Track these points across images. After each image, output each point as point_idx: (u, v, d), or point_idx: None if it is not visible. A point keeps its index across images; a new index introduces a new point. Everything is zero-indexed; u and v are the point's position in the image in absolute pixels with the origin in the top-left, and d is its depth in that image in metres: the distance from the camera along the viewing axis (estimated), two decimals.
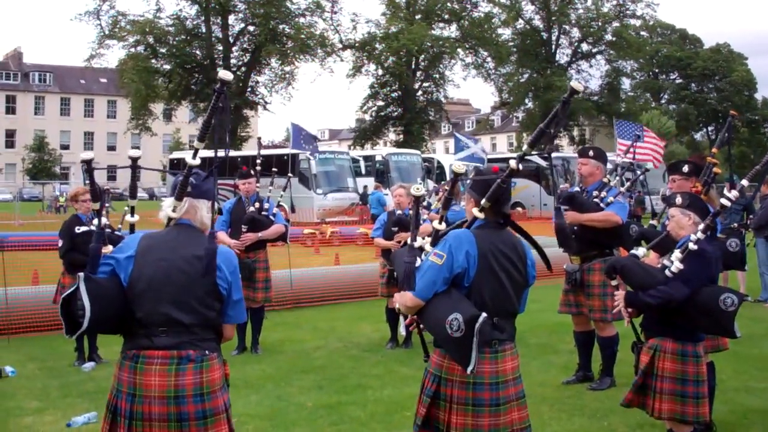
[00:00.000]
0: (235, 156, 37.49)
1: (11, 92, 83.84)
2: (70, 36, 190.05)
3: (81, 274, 3.66)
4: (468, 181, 4.21)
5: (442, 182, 30.85)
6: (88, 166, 4.26)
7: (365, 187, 31.73)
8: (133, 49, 49.49)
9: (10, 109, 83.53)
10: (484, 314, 3.78)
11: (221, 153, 3.98)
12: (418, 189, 4.10)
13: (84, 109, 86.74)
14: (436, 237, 4.18)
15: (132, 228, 4.34)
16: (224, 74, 3.79)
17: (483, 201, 4.08)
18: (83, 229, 8.37)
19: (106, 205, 4.44)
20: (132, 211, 4.40)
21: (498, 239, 4.10)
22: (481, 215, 4.10)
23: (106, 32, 49.72)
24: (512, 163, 4.01)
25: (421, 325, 4.29)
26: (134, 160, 4.25)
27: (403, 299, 4.06)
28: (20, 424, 6.71)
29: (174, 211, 3.96)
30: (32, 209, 48.01)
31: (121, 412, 3.69)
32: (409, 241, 4.08)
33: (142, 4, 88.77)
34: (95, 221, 4.51)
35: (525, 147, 4.15)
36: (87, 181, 9.30)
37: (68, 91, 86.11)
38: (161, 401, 3.64)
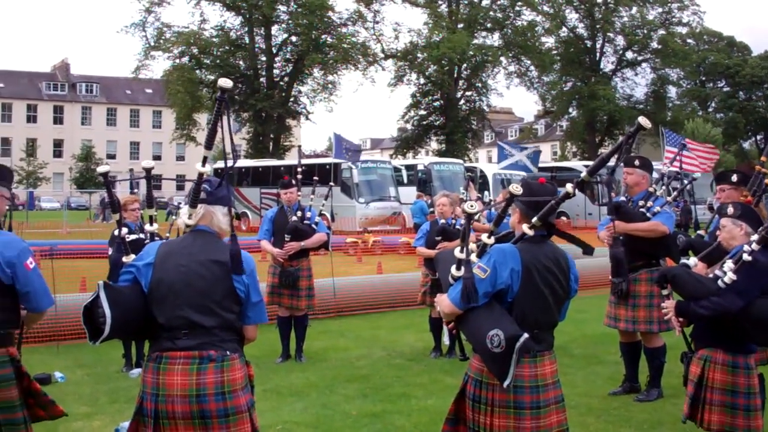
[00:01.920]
0: (278, 165, 37.73)
1: (59, 103, 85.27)
2: (116, 48, 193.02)
3: (100, 282, 3.77)
4: (517, 188, 4.18)
5: (477, 194, 30.75)
6: (106, 178, 4.36)
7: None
8: (177, 60, 50.16)
9: (58, 120, 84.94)
10: (525, 335, 3.84)
11: (219, 160, 4.00)
12: (471, 206, 4.10)
13: (130, 120, 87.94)
14: (483, 250, 4.18)
15: (152, 236, 4.40)
16: (224, 82, 3.84)
17: (534, 220, 4.11)
18: (132, 237, 8.46)
19: (154, 213, 4.50)
20: (151, 220, 4.46)
21: (541, 253, 4.14)
22: (531, 233, 4.13)
23: (152, 44, 50.42)
24: (568, 188, 4.01)
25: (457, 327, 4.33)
26: (148, 170, 4.31)
27: (442, 304, 4.13)
28: (69, 428, 6.79)
29: (190, 218, 4.02)
30: (79, 218, 48.79)
31: (147, 412, 3.80)
32: (456, 253, 4.07)
33: (187, 15, 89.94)
34: (147, 227, 4.57)
35: (583, 174, 4.13)
36: (135, 190, 9.46)
37: (114, 102, 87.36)
38: (183, 400, 3.73)
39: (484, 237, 4.21)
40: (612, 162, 4.11)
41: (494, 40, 56.99)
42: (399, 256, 21.94)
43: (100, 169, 4.35)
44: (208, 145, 3.95)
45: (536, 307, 4.05)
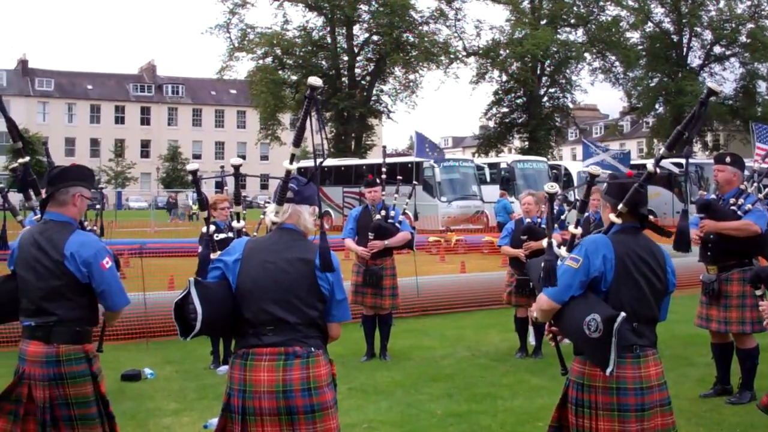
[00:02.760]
0: (360, 164, 37.87)
1: (146, 104, 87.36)
2: (201, 49, 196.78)
3: (191, 279, 3.82)
4: (604, 186, 4.13)
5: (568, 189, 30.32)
6: (194, 177, 4.39)
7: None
8: (261, 61, 50.81)
9: (145, 120, 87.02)
10: (622, 314, 3.77)
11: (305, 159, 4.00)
12: (552, 186, 4.04)
13: (215, 120, 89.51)
14: (572, 242, 4.12)
15: (239, 233, 4.44)
16: (313, 80, 3.84)
17: (620, 206, 4.03)
18: (221, 236, 8.58)
19: (243, 212, 4.54)
20: (238, 217, 4.50)
21: (635, 244, 4.08)
22: (618, 221, 4.06)
23: (236, 45, 51.16)
24: (649, 167, 3.97)
25: (558, 337, 4.27)
26: (237, 168, 4.34)
27: (539, 303, 4.09)
28: (159, 424, 6.92)
29: (276, 215, 4.04)
30: (166, 217, 49.89)
31: (234, 408, 3.84)
32: (545, 243, 4.02)
33: (270, 16, 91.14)
34: (234, 224, 4.61)
35: (662, 150, 4.06)
36: (225, 188, 9.58)
37: (200, 103, 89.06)
38: (270, 396, 3.76)
39: (571, 228, 4.16)
40: (689, 134, 3.98)
41: (578, 35, 56.16)
42: (482, 255, 21.83)
43: (190, 167, 4.40)
44: (297, 142, 3.97)
45: (633, 297, 3.98)
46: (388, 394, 7.80)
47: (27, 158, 5.01)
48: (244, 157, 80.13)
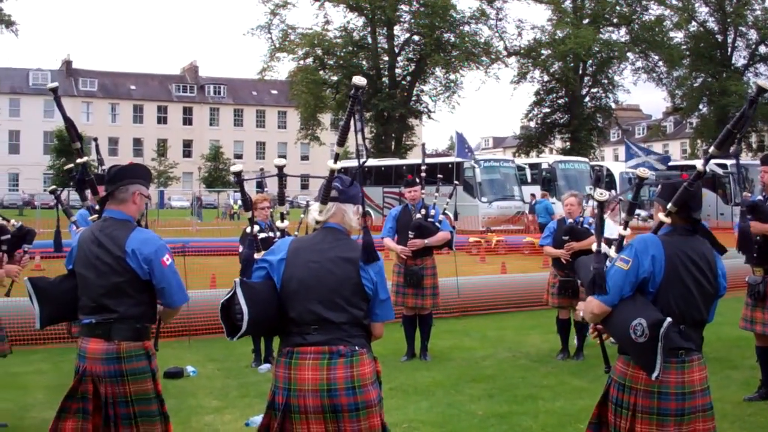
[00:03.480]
0: (400, 164, 37.88)
1: (188, 104, 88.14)
2: (242, 50, 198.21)
3: (237, 280, 3.85)
4: (657, 188, 4.09)
5: (612, 191, 30.03)
6: (239, 177, 4.41)
7: (532, 195, 31.26)
8: (302, 62, 50.99)
9: (187, 121, 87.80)
10: (669, 319, 3.74)
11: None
12: (601, 194, 4.01)
13: (256, 120, 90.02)
14: (621, 243, 4.09)
15: (283, 233, 4.46)
16: (358, 80, 3.83)
17: (669, 206, 3.98)
18: (262, 235, 8.64)
19: (286, 210, 4.56)
20: (282, 217, 4.52)
21: (686, 246, 4.02)
22: (668, 220, 4.01)
23: (277, 45, 51.37)
24: (698, 166, 3.92)
25: (603, 335, 4.24)
26: (280, 168, 4.36)
27: (590, 306, 4.05)
28: (201, 422, 6.98)
29: (320, 214, 4.05)
30: (208, 216, 50.35)
31: (279, 406, 3.86)
32: (594, 248, 3.99)
33: (311, 17, 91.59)
34: (278, 224, 4.63)
35: (711, 149, 4.01)
36: (267, 189, 9.65)
37: (241, 103, 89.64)
38: (314, 394, 3.79)
39: (620, 229, 4.12)
40: (739, 133, 3.92)
41: (620, 35, 55.61)
42: (523, 255, 21.72)
43: (234, 168, 4.43)
44: (341, 142, 3.98)
45: (681, 299, 3.93)
46: (428, 394, 7.80)
47: (85, 158, 5.08)
48: (284, 157, 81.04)
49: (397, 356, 9.29)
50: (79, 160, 5.06)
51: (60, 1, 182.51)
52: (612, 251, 4.15)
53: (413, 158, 48.12)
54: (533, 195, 31.19)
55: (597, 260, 3.99)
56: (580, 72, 54.19)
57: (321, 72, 51.08)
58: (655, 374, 3.74)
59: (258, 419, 6.69)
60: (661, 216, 4.03)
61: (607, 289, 3.91)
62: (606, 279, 3.95)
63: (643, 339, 3.74)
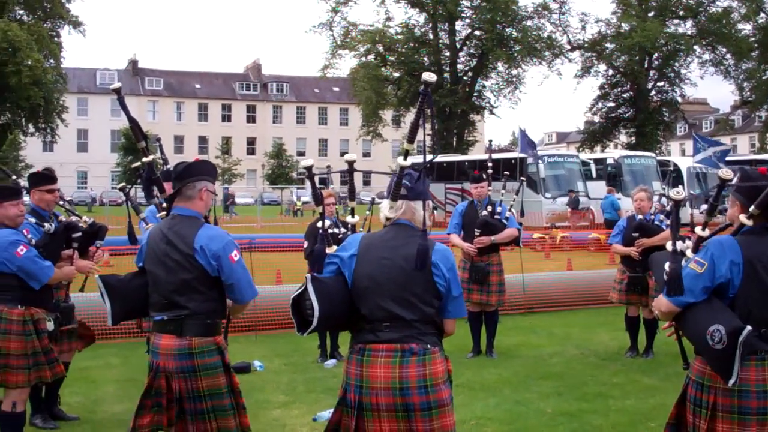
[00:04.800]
0: (462, 160, 37.70)
1: (252, 102, 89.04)
2: (304, 48, 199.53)
3: (308, 276, 3.85)
4: (733, 182, 3.96)
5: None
6: (310, 172, 4.41)
7: (570, 191, 30.66)
8: (363, 58, 51.05)
9: (251, 118, 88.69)
10: (748, 327, 3.64)
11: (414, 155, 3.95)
12: (678, 192, 3.90)
13: (318, 117, 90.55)
14: (698, 244, 3.97)
15: (353, 228, 4.43)
16: (428, 76, 3.77)
17: (752, 208, 3.86)
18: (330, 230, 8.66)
19: (354, 205, 4.56)
20: (352, 212, 4.50)
21: (765, 245, 3.87)
22: (749, 222, 3.88)
23: (339, 43, 51.57)
24: None
25: (680, 332, 4.13)
26: (351, 163, 4.33)
27: (659, 304, 3.98)
28: (269, 416, 7.02)
29: (390, 210, 4.03)
30: (272, 212, 50.79)
31: (351, 403, 3.85)
32: (668, 246, 3.89)
33: (372, 14, 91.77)
34: (348, 219, 4.62)
35: None
36: (331, 186, 9.68)
37: (304, 100, 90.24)
38: (387, 392, 3.76)
39: (698, 230, 4.00)
40: None
41: (687, 27, 54.54)
42: (588, 252, 21.44)
43: (304, 162, 4.44)
44: (411, 138, 3.94)
45: (762, 303, 3.80)
46: (495, 391, 7.74)
47: (151, 157, 5.13)
48: (345, 154, 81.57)
49: (463, 353, 9.23)
50: (144, 159, 5.11)
51: (126, 1, 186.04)
52: (689, 250, 4.03)
53: (475, 154, 47.94)
54: (571, 191, 30.72)
55: (674, 260, 3.87)
56: (646, 65, 53.29)
57: (382, 68, 51.11)
58: (732, 381, 3.66)
59: (325, 414, 6.75)
60: (743, 218, 3.90)
61: (682, 290, 3.81)
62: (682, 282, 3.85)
63: (721, 346, 3.65)
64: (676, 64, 53.75)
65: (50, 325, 5.91)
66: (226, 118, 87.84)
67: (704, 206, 26.15)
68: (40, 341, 5.79)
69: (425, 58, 51.49)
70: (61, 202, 6.87)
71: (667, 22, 52.39)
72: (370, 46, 50.14)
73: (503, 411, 7.04)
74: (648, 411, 6.93)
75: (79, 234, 6.21)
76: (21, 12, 49.26)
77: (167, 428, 4.47)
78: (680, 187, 4.19)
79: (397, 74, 51.49)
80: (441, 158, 39.14)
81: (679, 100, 56.44)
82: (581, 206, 31.34)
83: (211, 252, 4.38)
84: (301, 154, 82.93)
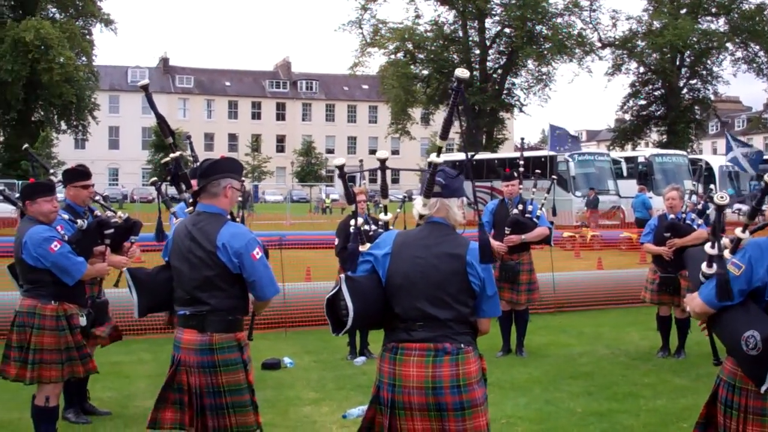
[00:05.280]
0: (491, 158, 37.56)
1: (281, 100, 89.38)
2: (334, 45, 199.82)
3: (342, 276, 3.84)
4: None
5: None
6: (341, 170, 4.41)
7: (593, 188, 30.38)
8: (393, 56, 51.16)
9: (280, 116, 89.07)
10: None
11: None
12: (722, 198, 3.84)
13: (347, 115, 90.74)
14: (737, 245, 3.91)
15: (386, 226, 4.43)
16: (460, 72, 3.75)
17: None
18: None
19: (387, 203, 4.54)
20: (385, 210, 4.50)
21: None
22: None
23: (368, 40, 51.66)
24: None
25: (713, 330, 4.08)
26: (383, 161, 4.33)
27: (693, 303, 3.93)
28: (299, 413, 7.03)
29: (424, 208, 4.00)
30: (301, 210, 50.94)
31: (384, 401, 3.84)
32: (707, 249, 3.84)
33: (402, 11, 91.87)
34: (381, 216, 4.61)
35: None
36: (363, 182, 9.67)
37: (333, 98, 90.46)
38: (420, 392, 3.74)
39: (738, 231, 3.95)
40: None
41: (719, 25, 53.98)
42: (619, 251, 21.30)
43: (336, 161, 4.44)
44: (444, 135, 3.92)
45: None
46: (525, 390, 7.70)
47: (178, 153, 5.15)
48: (374, 152, 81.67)
49: (493, 351, 9.19)
50: (172, 155, 5.14)
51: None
52: (726, 253, 3.97)
53: (504, 152, 47.76)
54: (591, 189, 30.40)
55: (720, 265, 3.79)
56: (678, 63, 52.86)
57: (411, 66, 51.15)
58: (765, 387, 3.61)
59: (355, 411, 6.76)
60: None
61: (732, 296, 3.73)
62: (711, 282, 3.80)
63: (756, 352, 3.59)
64: (709, 61, 53.25)
65: (83, 321, 5.95)
66: (256, 115, 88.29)
67: (737, 206, 25.91)
68: (72, 337, 5.84)
69: (454, 56, 51.46)
70: (97, 197, 6.93)
71: (699, 19, 51.89)
72: (400, 44, 50.22)
73: (533, 410, 7.01)
74: (679, 411, 6.87)
75: (112, 230, 6.25)
76: (53, 10, 49.81)
77: (189, 427, 4.50)
78: (725, 191, 4.12)
79: (426, 72, 51.54)
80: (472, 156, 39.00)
81: (712, 97, 55.92)
82: (612, 205, 31.15)
83: (233, 249, 4.40)
84: (330, 151, 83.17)
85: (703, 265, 3.87)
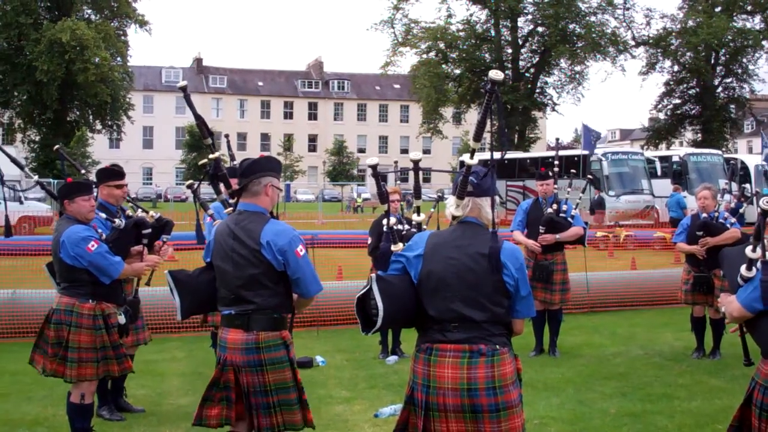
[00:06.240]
0: (523, 158, 37.38)
1: (313, 99, 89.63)
2: (366, 45, 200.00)
3: (373, 275, 3.84)
4: None
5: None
6: (375, 170, 4.42)
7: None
8: (424, 55, 51.07)
9: (312, 116, 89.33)
10: None
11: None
12: (767, 203, 3.80)
13: (379, 114, 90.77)
14: None
15: (419, 227, 4.44)
16: (494, 74, 3.74)
17: None
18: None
19: (420, 203, 4.54)
20: (418, 211, 4.50)
21: None
22: None
23: (400, 40, 51.61)
24: None
25: (744, 329, 4.05)
26: (416, 162, 4.33)
27: (730, 308, 3.90)
28: (331, 411, 7.05)
29: (456, 209, 4.00)
30: (333, 209, 51.05)
31: (418, 402, 3.83)
32: (748, 252, 3.80)
33: (434, 11, 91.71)
34: (414, 217, 4.62)
35: None
36: (398, 182, 9.70)
37: (364, 98, 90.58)
38: (454, 393, 3.73)
39: None
40: None
41: (755, 23, 53.31)
42: (653, 251, 21.12)
43: (369, 161, 4.45)
44: (477, 137, 3.92)
45: None
46: (558, 390, 7.67)
47: (217, 153, 5.20)
48: (406, 151, 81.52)
49: (525, 351, 9.16)
50: (211, 156, 5.17)
51: (191, 0, 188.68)
52: (758, 252, 3.92)
53: (536, 151, 47.49)
54: (598, 189, 30.13)
55: (764, 273, 3.76)
56: (713, 61, 52.29)
57: (443, 65, 51.02)
58: None
59: (387, 410, 6.78)
60: None
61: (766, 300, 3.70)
62: (750, 286, 3.77)
63: None
64: (744, 59, 52.58)
65: (122, 319, 6.00)
66: (288, 115, 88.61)
67: None
68: (109, 336, 5.89)
69: (486, 55, 51.26)
70: (128, 197, 7.00)
71: (734, 17, 51.28)
72: (432, 43, 50.13)
73: (566, 411, 6.98)
74: (714, 413, 6.81)
75: (149, 230, 6.30)
76: (89, 11, 50.43)
77: (235, 423, 4.54)
78: (747, 185, 4.07)
79: (458, 71, 51.40)
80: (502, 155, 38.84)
81: (747, 96, 55.24)
82: (646, 204, 30.91)
83: (278, 247, 4.42)
84: (362, 151, 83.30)
85: (743, 268, 3.83)
